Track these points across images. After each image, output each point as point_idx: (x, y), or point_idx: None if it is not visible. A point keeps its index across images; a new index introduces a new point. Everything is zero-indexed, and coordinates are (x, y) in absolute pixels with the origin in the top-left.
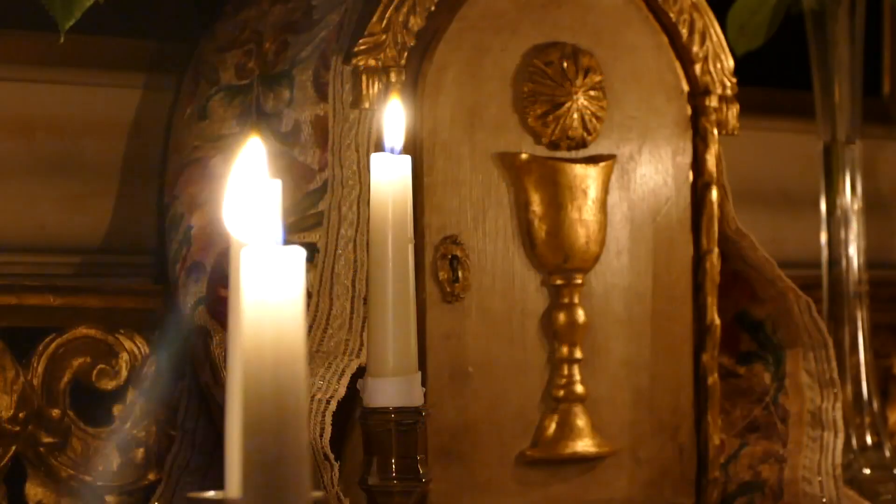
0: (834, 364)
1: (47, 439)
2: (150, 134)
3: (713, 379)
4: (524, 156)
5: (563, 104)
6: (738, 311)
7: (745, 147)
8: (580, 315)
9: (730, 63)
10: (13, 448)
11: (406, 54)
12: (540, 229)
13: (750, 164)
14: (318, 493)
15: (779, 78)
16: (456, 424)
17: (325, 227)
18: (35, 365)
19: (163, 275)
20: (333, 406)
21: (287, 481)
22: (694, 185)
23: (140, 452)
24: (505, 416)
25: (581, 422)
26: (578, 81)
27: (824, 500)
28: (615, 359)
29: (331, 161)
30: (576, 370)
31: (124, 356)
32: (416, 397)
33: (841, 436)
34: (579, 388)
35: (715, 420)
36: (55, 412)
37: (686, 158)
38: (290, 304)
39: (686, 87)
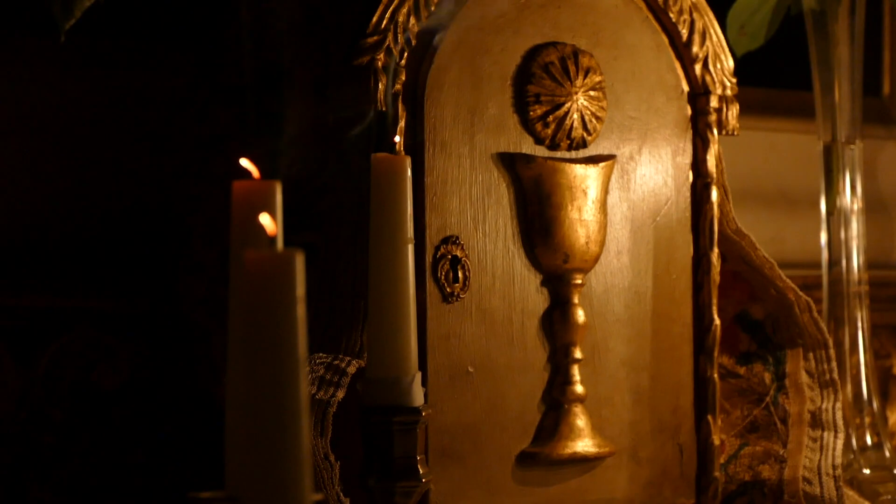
0: (834, 364)
1: (48, 439)
2: (151, 134)
3: (713, 379)
4: (524, 156)
5: (563, 104)
6: (738, 311)
7: (745, 147)
8: (580, 315)
9: (730, 63)
10: (13, 448)
11: (406, 54)
12: (540, 229)
13: (750, 164)
14: (317, 496)
15: (779, 78)
16: (456, 424)
17: (325, 227)
18: (35, 365)
19: (163, 275)
20: (334, 407)
21: (287, 481)
22: (694, 186)
23: (140, 452)
24: (505, 416)
25: (581, 422)
26: (578, 82)
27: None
28: (615, 359)
29: (331, 161)
30: (576, 370)
31: (124, 356)
32: (416, 397)
33: (841, 436)
34: (579, 388)
35: (715, 420)
36: (56, 412)
37: (686, 158)
38: (290, 305)
39: (686, 87)
